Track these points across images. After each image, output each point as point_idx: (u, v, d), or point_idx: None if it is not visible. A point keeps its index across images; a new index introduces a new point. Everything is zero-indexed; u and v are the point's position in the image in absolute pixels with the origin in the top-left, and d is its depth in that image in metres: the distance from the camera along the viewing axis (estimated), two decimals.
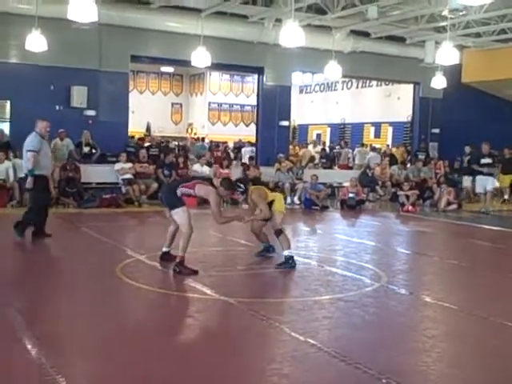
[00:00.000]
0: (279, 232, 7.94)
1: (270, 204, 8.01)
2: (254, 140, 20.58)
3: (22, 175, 9.32)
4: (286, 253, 7.82)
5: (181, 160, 15.94)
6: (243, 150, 23.18)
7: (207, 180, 8.44)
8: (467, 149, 18.33)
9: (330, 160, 21.83)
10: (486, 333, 5.55)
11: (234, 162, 18.75)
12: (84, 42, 15.43)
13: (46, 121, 9.54)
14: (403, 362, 4.73)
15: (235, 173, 15.85)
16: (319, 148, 22.96)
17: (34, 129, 9.43)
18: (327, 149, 24.02)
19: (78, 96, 15.64)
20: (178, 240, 7.47)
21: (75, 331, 5.24)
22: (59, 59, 14.99)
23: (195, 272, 7.18)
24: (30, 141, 9.32)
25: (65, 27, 13.99)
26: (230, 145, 25.08)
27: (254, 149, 20.47)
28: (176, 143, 24.43)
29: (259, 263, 8.15)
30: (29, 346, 4.65)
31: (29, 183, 9.27)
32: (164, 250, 7.87)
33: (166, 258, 7.79)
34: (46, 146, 9.62)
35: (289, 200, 15.08)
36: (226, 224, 7.97)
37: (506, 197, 17.27)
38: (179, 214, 7.35)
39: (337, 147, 24.15)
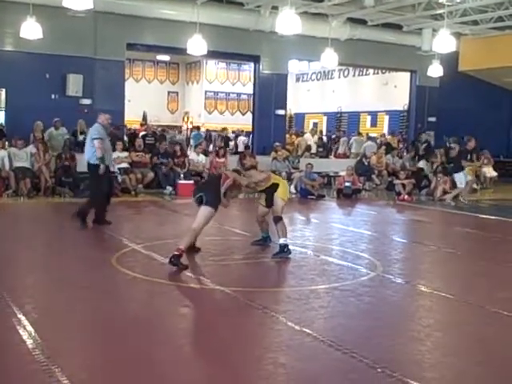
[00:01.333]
0: (278, 219, 7.91)
1: (274, 187, 8.01)
2: (250, 129, 20.52)
3: (93, 162, 9.70)
4: (281, 241, 7.81)
5: (178, 148, 15.90)
6: (238, 138, 23.14)
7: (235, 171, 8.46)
8: (424, 136, 18.25)
9: (326, 149, 21.78)
10: (481, 321, 5.57)
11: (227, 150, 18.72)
12: (79, 29, 15.34)
13: (108, 114, 10.16)
14: (399, 350, 4.74)
15: (231, 162, 15.82)
16: (316, 137, 22.90)
17: (97, 120, 9.94)
18: (324, 138, 23.97)
19: (74, 84, 15.57)
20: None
21: (70, 320, 5.24)
22: (54, 47, 14.92)
23: (186, 267, 6.99)
24: (95, 130, 9.80)
25: (60, 15, 13.93)
26: (230, 133, 24.99)
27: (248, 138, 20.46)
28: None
29: (255, 253, 8.15)
30: (24, 336, 4.65)
31: (102, 170, 9.62)
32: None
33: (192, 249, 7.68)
34: (107, 137, 10.08)
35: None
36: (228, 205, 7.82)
37: (475, 186, 17.15)
38: (204, 212, 7.28)
39: (333, 136, 24.11)
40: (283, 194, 8.07)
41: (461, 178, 14.46)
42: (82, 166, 14.27)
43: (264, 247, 8.35)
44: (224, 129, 23.39)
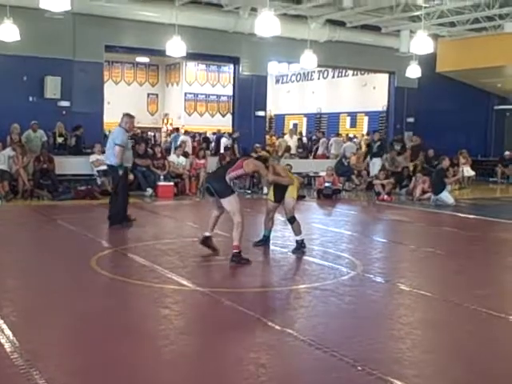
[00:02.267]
0: (293, 219, 8.17)
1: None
2: (230, 130, 20.51)
3: (116, 164, 9.86)
4: (298, 238, 8.20)
5: (157, 150, 15.84)
6: (222, 140, 23.08)
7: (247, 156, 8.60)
8: (376, 135, 18.44)
9: (306, 150, 21.84)
10: (460, 319, 5.62)
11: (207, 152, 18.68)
12: (57, 31, 15.24)
13: (133, 117, 10.21)
14: (379, 349, 4.76)
15: (211, 163, 15.79)
16: (296, 138, 22.94)
17: (120, 124, 9.95)
18: (304, 139, 24.02)
19: (52, 86, 15.45)
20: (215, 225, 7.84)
21: (49, 323, 5.19)
22: (32, 49, 14.80)
23: (249, 261, 7.30)
24: (118, 135, 9.80)
25: (38, 16, 13.81)
26: (210, 135, 24.93)
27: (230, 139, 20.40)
28: (152, 134, 24.18)
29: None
30: (2, 340, 4.60)
31: (120, 174, 9.88)
32: (206, 234, 7.88)
33: (208, 243, 7.84)
34: (128, 140, 10.32)
35: (265, 190, 15.06)
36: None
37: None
38: (231, 202, 7.35)
39: (313, 138, 24.13)
40: (294, 192, 8.27)
41: (447, 197, 14.55)
42: (60, 169, 14.30)
43: (248, 248, 8.32)
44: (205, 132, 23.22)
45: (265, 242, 8.51)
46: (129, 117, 9.98)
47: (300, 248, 8.18)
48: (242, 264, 7.21)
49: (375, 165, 17.48)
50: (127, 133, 10.00)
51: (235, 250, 7.25)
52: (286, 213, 8.25)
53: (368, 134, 22.63)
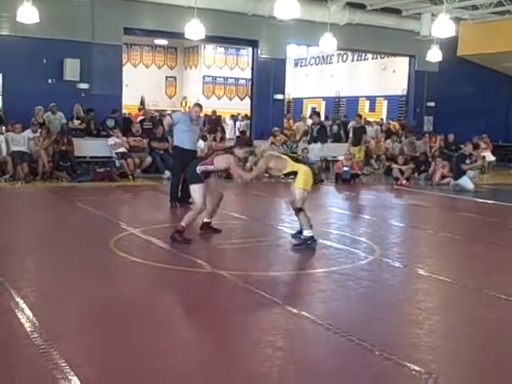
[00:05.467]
0: (298, 210, 7.53)
1: (292, 173, 7.61)
2: (249, 113, 20.45)
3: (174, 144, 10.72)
4: (304, 233, 7.46)
5: None
6: (237, 123, 23.05)
7: (228, 149, 8.31)
8: (315, 118, 16.89)
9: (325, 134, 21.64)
10: (479, 305, 5.58)
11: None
12: (76, 13, 15.24)
13: (199, 107, 10.69)
14: (396, 334, 4.75)
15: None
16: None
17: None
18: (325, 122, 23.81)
19: (71, 69, 15.47)
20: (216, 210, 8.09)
21: (68, 304, 5.23)
22: (51, 31, 14.80)
23: (188, 241, 7.41)
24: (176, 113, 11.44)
25: None
26: (227, 119, 24.86)
27: (247, 122, 20.35)
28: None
29: (254, 236, 8.14)
30: (22, 320, 4.65)
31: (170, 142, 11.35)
32: (205, 220, 8.06)
33: (206, 228, 8.06)
34: (192, 125, 10.37)
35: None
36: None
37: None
38: (194, 190, 7.65)
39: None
40: (302, 182, 7.51)
41: (466, 182, 14.38)
42: (79, 151, 14.38)
43: (264, 232, 8.33)
44: (214, 111, 22.84)
45: (300, 233, 7.82)
46: (195, 105, 10.84)
47: (305, 244, 7.40)
48: (178, 242, 7.33)
49: (314, 150, 15.86)
50: (191, 120, 10.34)
51: (178, 228, 7.45)
52: (291, 202, 7.68)
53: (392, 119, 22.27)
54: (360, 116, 17.81)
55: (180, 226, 7.47)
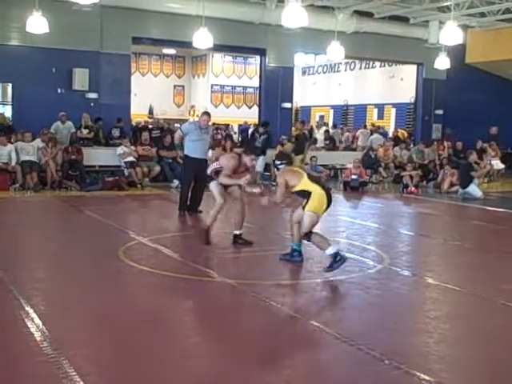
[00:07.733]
0: (306, 236, 6.76)
1: (304, 193, 6.77)
2: (256, 122, 20.45)
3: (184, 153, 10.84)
4: (327, 252, 6.59)
5: None
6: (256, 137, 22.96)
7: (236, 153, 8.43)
8: (261, 129, 16.75)
9: (333, 142, 21.68)
10: (488, 313, 5.56)
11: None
12: (85, 23, 15.32)
13: (207, 115, 10.84)
14: (405, 343, 4.74)
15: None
16: (323, 130, 22.80)
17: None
18: (330, 130, 23.85)
19: (80, 78, 15.56)
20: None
21: (78, 312, 5.26)
22: (60, 41, 14.91)
23: (209, 243, 7.85)
24: (185, 124, 11.64)
25: (66, 9, 14.01)
26: (235, 127, 24.89)
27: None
28: (178, 125, 24.16)
29: (262, 245, 8.13)
30: (32, 329, 4.67)
31: (179, 154, 11.77)
32: (235, 232, 8.04)
33: (238, 240, 8.04)
34: (202, 134, 10.51)
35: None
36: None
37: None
38: (212, 188, 7.97)
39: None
40: (314, 206, 6.67)
41: (474, 190, 14.36)
42: (88, 160, 14.45)
43: (272, 240, 8.33)
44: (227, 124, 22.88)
45: (291, 255, 7.24)
46: (203, 114, 11.03)
47: (335, 262, 6.47)
48: (200, 241, 7.81)
49: (258, 162, 13.27)
50: (201, 128, 10.47)
51: (203, 227, 8.00)
52: (301, 227, 6.83)
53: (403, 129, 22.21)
54: (303, 122, 17.42)
55: (204, 225, 7.97)
